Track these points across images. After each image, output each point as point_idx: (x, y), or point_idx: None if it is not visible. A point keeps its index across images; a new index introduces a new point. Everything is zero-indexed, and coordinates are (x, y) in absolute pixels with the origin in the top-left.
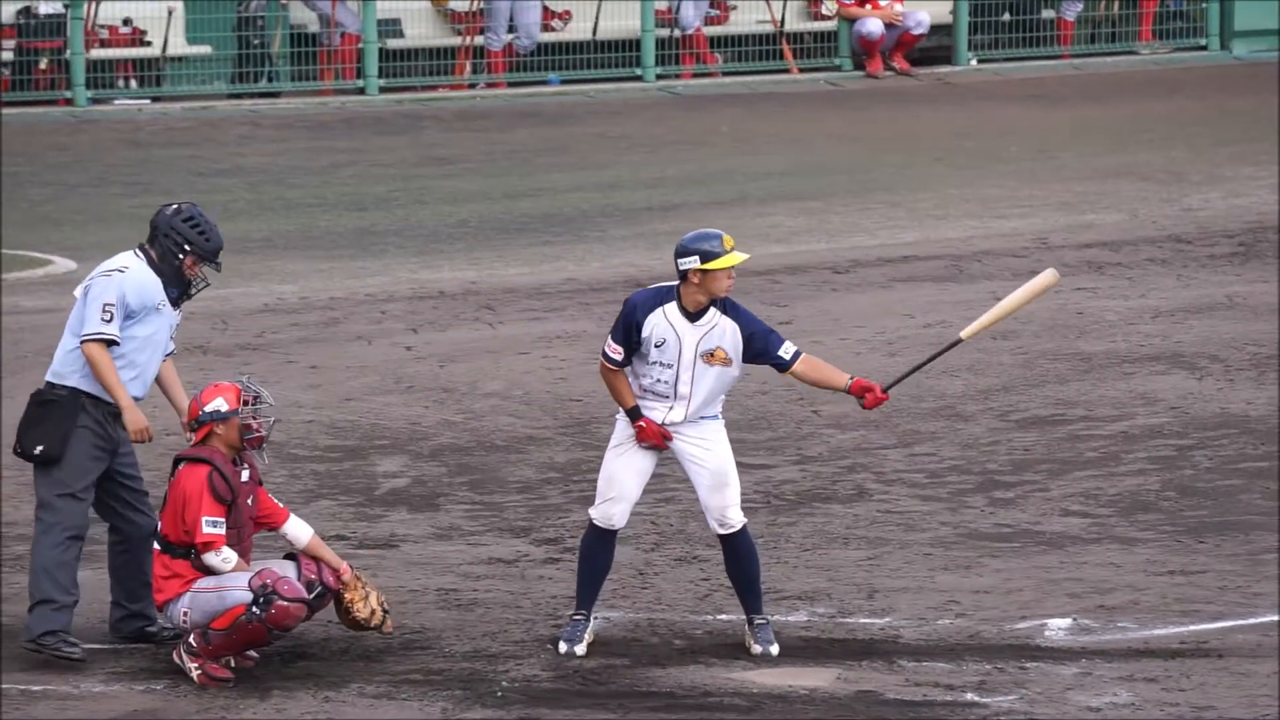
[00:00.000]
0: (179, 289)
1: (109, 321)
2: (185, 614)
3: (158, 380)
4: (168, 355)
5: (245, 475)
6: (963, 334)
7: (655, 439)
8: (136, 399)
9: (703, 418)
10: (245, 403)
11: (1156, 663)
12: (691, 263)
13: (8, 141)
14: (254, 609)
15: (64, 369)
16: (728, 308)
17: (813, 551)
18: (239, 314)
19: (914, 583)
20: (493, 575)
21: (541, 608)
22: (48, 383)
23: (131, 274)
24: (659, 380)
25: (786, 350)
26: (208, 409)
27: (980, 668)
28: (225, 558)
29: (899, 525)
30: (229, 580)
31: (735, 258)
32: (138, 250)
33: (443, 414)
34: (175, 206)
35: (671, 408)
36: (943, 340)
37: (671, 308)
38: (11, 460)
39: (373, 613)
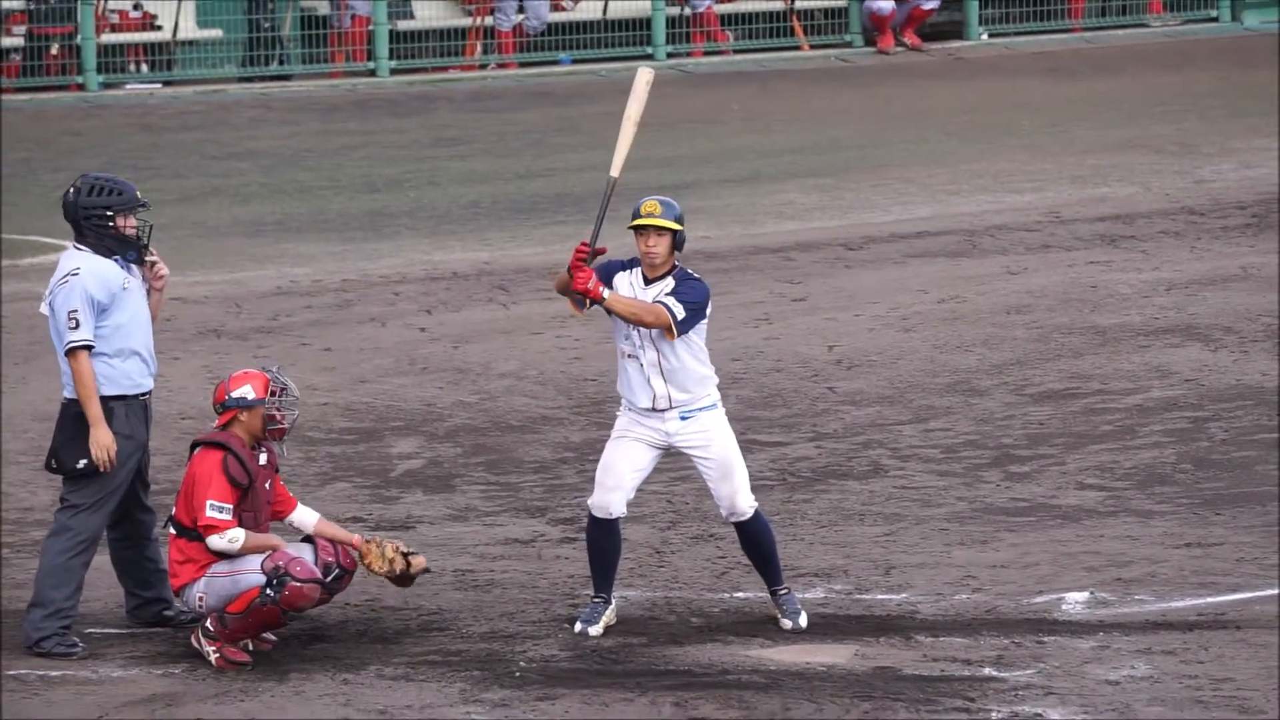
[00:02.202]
0: (133, 250)
1: (77, 328)
2: (201, 598)
3: None
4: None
5: (263, 459)
6: (613, 172)
7: (581, 268)
8: (148, 386)
9: (700, 409)
10: (272, 393)
11: (1174, 635)
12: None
13: (20, 128)
14: (268, 591)
15: (68, 379)
16: (681, 278)
17: (829, 528)
18: (252, 297)
19: (930, 558)
20: (509, 556)
21: (558, 587)
22: (68, 398)
23: (84, 271)
24: (627, 339)
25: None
26: (234, 395)
27: (998, 642)
28: (231, 538)
29: (915, 501)
30: (242, 564)
31: (641, 220)
32: (76, 246)
33: (457, 395)
34: (71, 190)
35: (650, 380)
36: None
37: (636, 272)
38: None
39: (391, 562)
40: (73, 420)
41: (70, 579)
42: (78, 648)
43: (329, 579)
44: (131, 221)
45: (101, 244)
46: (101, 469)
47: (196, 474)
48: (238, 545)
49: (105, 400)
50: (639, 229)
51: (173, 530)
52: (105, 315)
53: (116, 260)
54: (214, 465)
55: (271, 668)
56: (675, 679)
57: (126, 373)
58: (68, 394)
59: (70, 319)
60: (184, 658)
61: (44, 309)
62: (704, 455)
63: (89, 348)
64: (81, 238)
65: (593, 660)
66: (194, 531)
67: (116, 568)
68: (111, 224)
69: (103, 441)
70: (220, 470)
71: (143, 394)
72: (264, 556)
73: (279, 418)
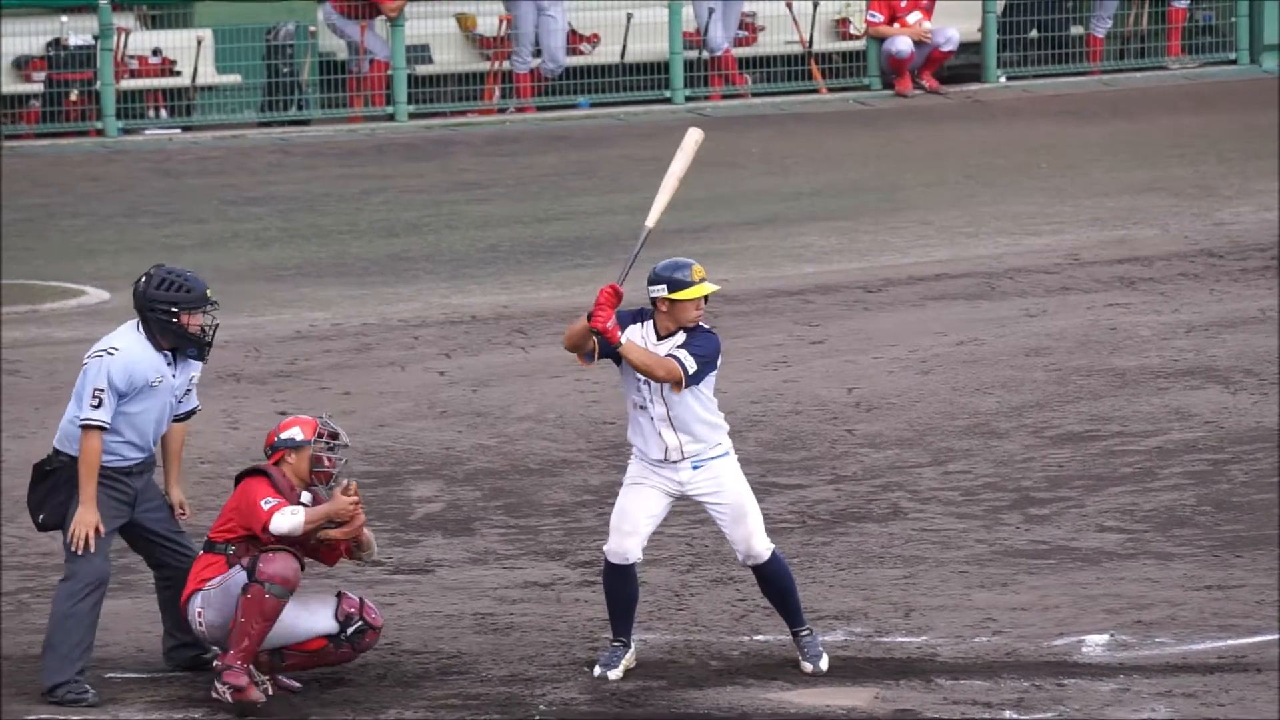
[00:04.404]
0: (195, 347)
1: (98, 407)
2: (200, 613)
3: (163, 450)
4: (189, 413)
5: (306, 497)
6: (649, 223)
7: (605, 308)
8: (138, 460)
9: (712, 458)
10: (319, 435)
11: (1194, 678)
12: (660, 291)
13: (40, 173)
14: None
15: (70, 437)
16: (694, 330)
17: (848, 571)
18: (271, 341)
19: (950, 601)
20: (529, 599)
21: (578, 630)
22: (54, 449)
23: (121, 356)
24: (637, 391)
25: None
26: (283, 436)
27: (1018, 685)
28: (293, 511)
29: (935, 543)
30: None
31: (703, 289)
32: (138, 326)
33: (476, 438)
34: (143, 279)
35: (662, 433)
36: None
37: (649, 325)
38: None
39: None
40: (39, 477)
41: (78, 625)
42: (88, 695)
43: (351, 631)
44: (198, 319)
45: (163, 337)
46: (75, 549)
47: (242, 490)
48: (300, 516)
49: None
50: (693, 295)
51: (202, 550)
52: (123, 401)
53: (166, 355)
54: (258, 480)
55: (292, 711)
56: None
57: (116, 449)
58: (56, 445)
59: (94, 396)
60: (204, 702)
61: (86, 360)
62: (716, 501)
63: (103, 429)
64: (145, 324)
65: (612, 704)
66: (214, 545)
67: (160, 607)
68: (175, 320)
69: (87, 521)
70: (266, 482)
71: (129, 466)
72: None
73: (327, 461)
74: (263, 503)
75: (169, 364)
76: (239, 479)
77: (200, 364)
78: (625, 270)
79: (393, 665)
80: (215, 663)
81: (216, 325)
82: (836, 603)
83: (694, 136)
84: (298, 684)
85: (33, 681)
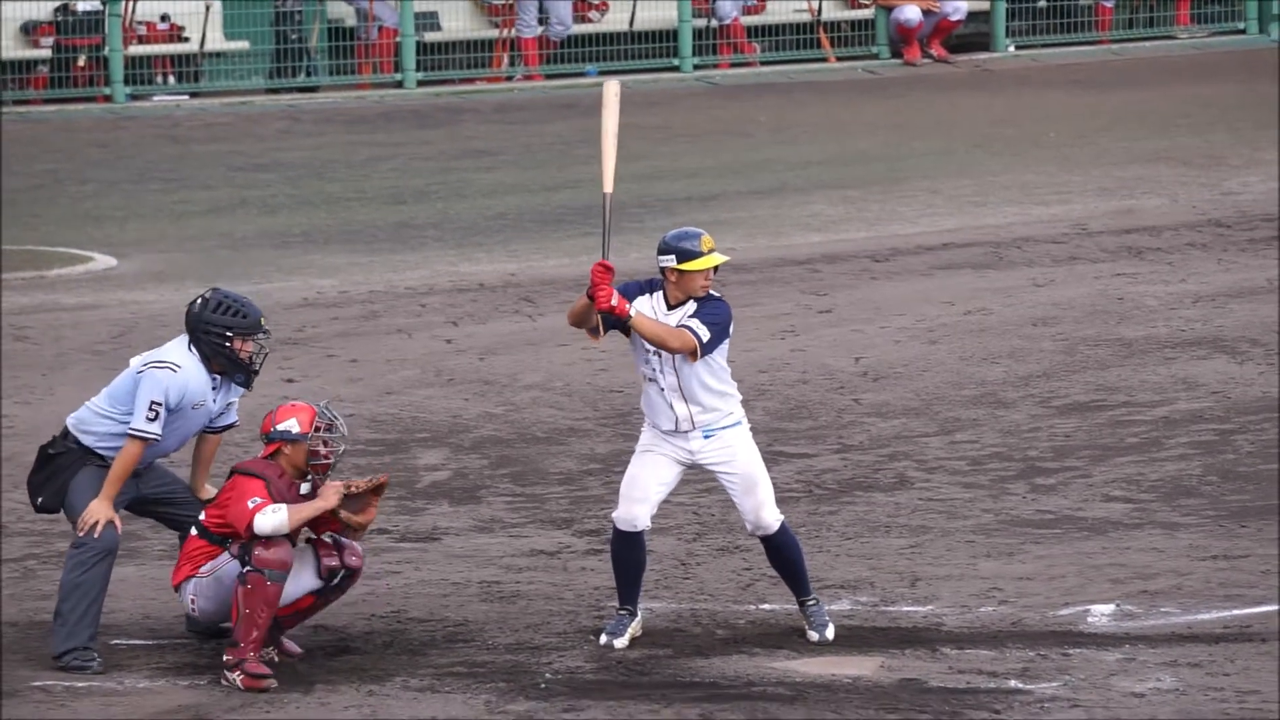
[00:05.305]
0: (242, 374)
1: (154, 420)
2: (193, 599)
3: (195, 454)
4: (227, 426)
5: (304, 489)
6: (606, 188)
7: (603, 285)
8: (146, 464)
9: (723, 427)
10: (318, 428)
11: (1200, 648)
12: (669, 261)
13: (48, 139)
14: (245, 570)
15: (87, 425)
16: (703, 299)
17: (855, 540)
18: (279, 308)
19: (956, 570)
20: (535, 567)
21: (584, 599)
22: (65, 429)
23: (182, 374)
24: (646, 363)
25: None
26: (279, 428)
27: (1023, 654)
28: (275, 509)
29: (941, 513)
30: (220, 560)
31: (712, 259)
32: (190, 345)
33: (483, 406)
34: (199, 300)
35: (673, 404)
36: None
37: (658, 296)
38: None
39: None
40: (43, 461)
41: (87, 593)
42: (93, 663)
43: (336, 580)
44: (249, 346)
45: (215, 360)
46: (79, 531)
47: (236, 490)
48: (283, 515)
49: (89, 453)
50: (703, 266)
51: (194, 530)
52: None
53: (214, 379)
54: (253, 482)
55: (297, 679)
56: (700, 691)
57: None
58: (70, 425)
59: (151, 409)
60: (209, 669)
61: (135, 361)
62: (728, 470)
63: (147, 440)
64: (196, 345)
65: (618, 672)
66: (214, 535)
67: None
68: (228, 345)
69: (100, 514)
70: (261, 485)
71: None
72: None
73: (323, 453)
74: (249, 502)
75: (214, 387)
76: (234, 471)
77: (243, 390)
78: (605, 243)
79: (399, 633)
80: (226, 657)
81: (267, 354)
82: (843, 572)
83: (612, 89)
84: (299, 650)
85: (39, 648)
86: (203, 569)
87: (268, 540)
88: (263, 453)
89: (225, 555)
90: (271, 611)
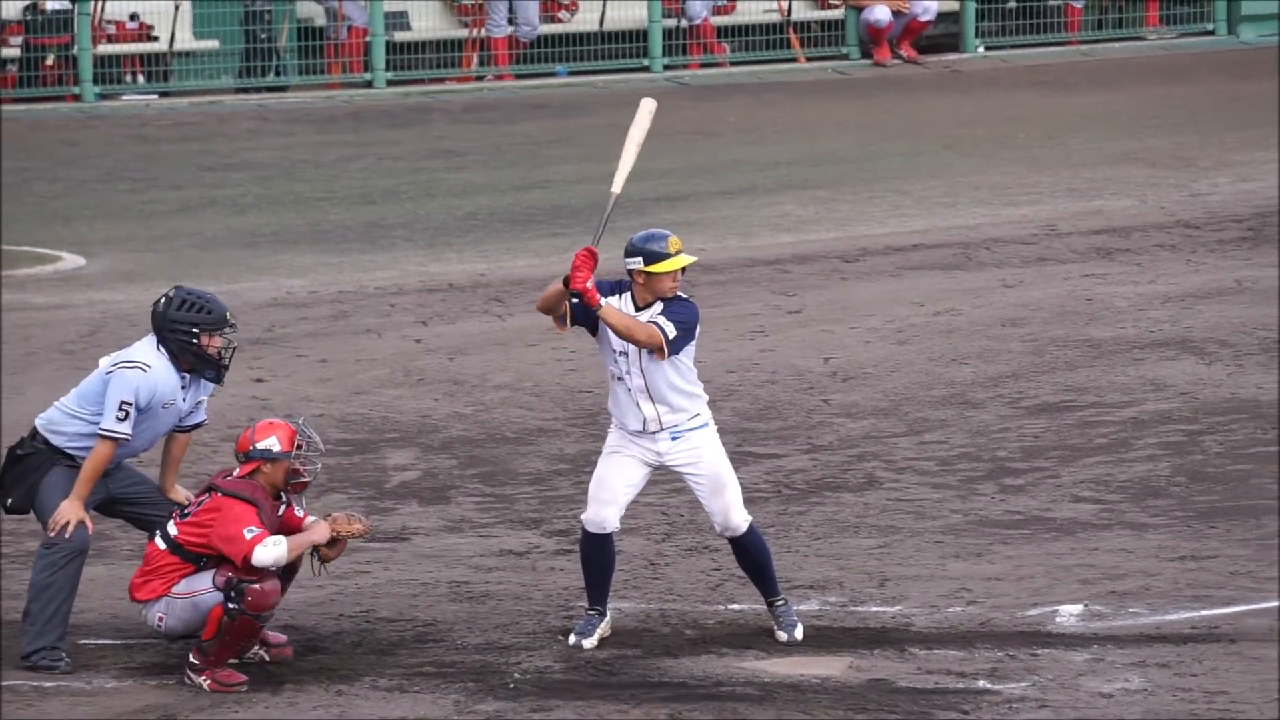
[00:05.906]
0: (212, 370)
1: (124, 420)
2: (160, 619)
3: (164, 454)
4: (196, 425)
5: (282, 510)
6: (614, 189)
7: (583, 269)
8: (115, 463)
9: (691, 429)
10: (298, 446)
11: (1168, 648)
12: (635, 263)
13: (17, 138)
14: (230, 605)
15: (57, 425)
16: (672, 300)
17: (824, 540)
18: (248, 308)
19: (925, 570)
20: (504, 567)
21: (553, 599)
22: (34, 430)
23: (152, 374)
24: (615, 363)
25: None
26: (259, 446)
27: (992, 655)
28: (275, 542)
29: (910, 513)
30: (198, 583)
31: (680, 261)
32: (159, 346)
33: (453, 406)
34: (163, 299)
35: (640, 404)
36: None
37: (626, 298)
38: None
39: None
40: (11, 462)
41: (57, 594)
42: (61, 663)
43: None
44: (216, 341)
45: (182, 357)
46: (50, 532)
47: (223, 514)
48: (283, 548)
49: (57, 453)
50: (670, 268)
51: (159, 541)
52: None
53: (184, 377)
54: (244, 507)
55: (266, 679)
56: (669, 691)
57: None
58: (38, 426)
59: (121, 409)
60: (178, 669)
61: (105, 361)
62: (695, 472)
63: (118, 441)
64: (164, 344)
65: (587, 672)
66: (188, 553)
67: None
68: (195, 341)
69: (71, 515)
70: (253, 512)
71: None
72: (214, 572)
73: (302, 471)
74: (246, 532)
75: (184, 386)
76: (212, 489)
77: (214, 385)
78: (598, 233)
79: (368, 633)
80: (193, 660)
81: (235, 348)
82: (811, 572)
83: (647, 107)
84: (284, 637)
85: (7, 648)
86: (177, 589)
87: (260, 587)
88: (239, 470)
89: (204, 581)
90: (251, 641)
